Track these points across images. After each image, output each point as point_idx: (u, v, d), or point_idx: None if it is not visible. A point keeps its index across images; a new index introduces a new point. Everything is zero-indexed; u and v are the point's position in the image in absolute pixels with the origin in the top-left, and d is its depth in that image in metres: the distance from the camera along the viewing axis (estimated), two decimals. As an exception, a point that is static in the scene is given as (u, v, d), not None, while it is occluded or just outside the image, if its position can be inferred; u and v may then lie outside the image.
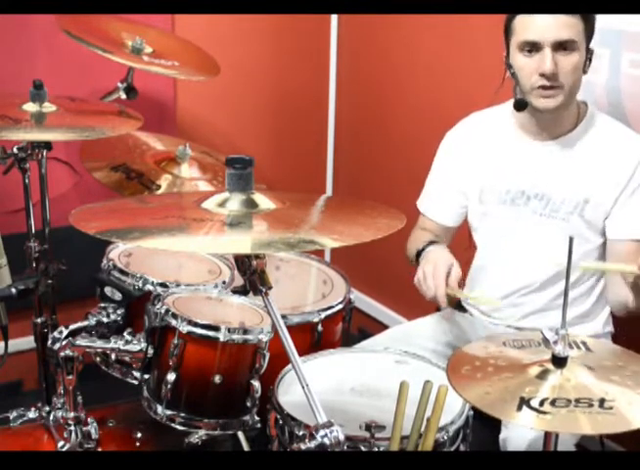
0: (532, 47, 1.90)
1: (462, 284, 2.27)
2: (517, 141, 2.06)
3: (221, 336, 1.70)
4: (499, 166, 2.09)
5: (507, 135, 2.09)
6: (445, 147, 2.20)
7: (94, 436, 1.79)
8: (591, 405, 1.34)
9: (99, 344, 1.78)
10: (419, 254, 2.03)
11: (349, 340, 2.20)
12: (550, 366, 1.42)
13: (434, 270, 1.90)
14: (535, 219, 2.05)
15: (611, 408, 1.34)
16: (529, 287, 2.09)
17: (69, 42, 2.29)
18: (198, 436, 1.89)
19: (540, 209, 2.04)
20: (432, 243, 2.03)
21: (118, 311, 1.89)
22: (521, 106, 1.97)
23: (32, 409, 1.90)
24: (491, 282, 2.15)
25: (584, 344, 1.55)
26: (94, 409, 1.85)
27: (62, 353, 1.72)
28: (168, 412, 1.73)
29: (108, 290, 1.95)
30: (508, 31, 1.95)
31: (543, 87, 1.91)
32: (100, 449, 1.81)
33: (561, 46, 1.88)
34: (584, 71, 1.94)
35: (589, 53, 1.94)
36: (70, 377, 1.74)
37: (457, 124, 2.20)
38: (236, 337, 1.71)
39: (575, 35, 1.88)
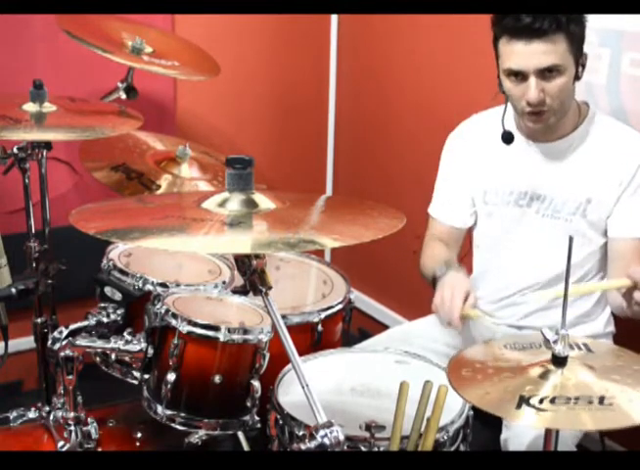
0: (517, 75, 1.89)
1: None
2: (518, 142, 2.06)
3: (221, 336, 1.70)
4: (502, 168, 2.09)
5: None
6: (449, 150, 2.20)
7: (94, 436, 1.79)
8: (591, 402, 1.35)
9: (99, 344, 1.78)
10: (435, 278, 2.01)
11: (349, 340, 2.20)
12: (550, 366, 1.42)
13: (452, 297, 1.89)
14: (538, 220, 2.05)
15: (610, 405, 1.34)
16: (532, 287, 2.09)
17: (69, 42, 2.29)
18: (198, 436, 1.89)
19: (543, 209, 2.04)
20: (449, 266, 2.01)
21: (118, 311, 1.88)
22: (508, 140, 1.99)
23: (32, 409, 1.90)
24: (494, 283, 2.15)
25: (585, 345, 1.55)
26: (94, 409, 1.84)
27: (62, 353, 1.72)
28: (168, 412, 1.73)
29: (108, 290, 1.95)
30: (496, 51, 1.94)
31: (531, 112, 1.91)
32: (100, 449, 1.81)
33: (545, 72, 1.86)
34: (578, 78, 1.93)
35: (582, 60, 1.92)
36: (70, 377, 1.74)
37: (458, 127, 2.20)
38: (236, 337, 1.71)
39: (559, 59, 1.85)
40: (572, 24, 1.85)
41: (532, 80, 1.86)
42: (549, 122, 1.94)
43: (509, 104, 1.99)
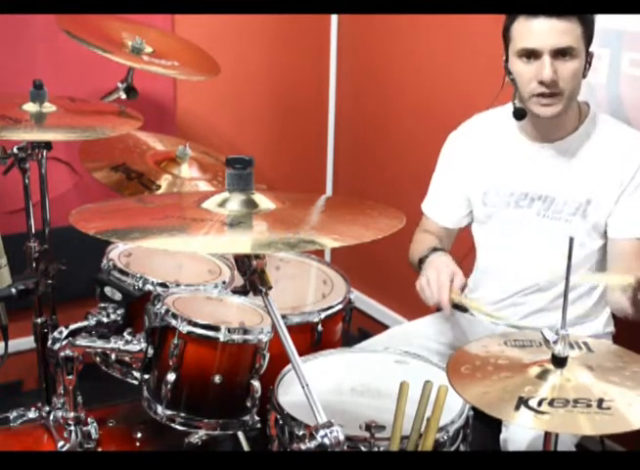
0: (531, 54, 1.89)
1: (464, 288, 2.27)
2: (519, 143, 2.06)
3: (221, 336, 1.70)
4: (502, 169, 2.09)
5: (509, 137, 2.08)
6: (448, 149, 2.20)
7: (94, 436, 1.79)
8: (589, 406, 1.34)
9: (99, 344, 1.78)
10: (422, 260, 2.02)
11: (349, 340, 2.20)
12: (550, 366, 1.42)
13: (438, 277, 1.90)
14: (539, 221, 2.05)
15: (609, 409, 1.34)
16: (532, 288, 2.09)
17: (69, 42, 2.29)
18: (198, 436, 1.89)
19: (543, 210, 2.04)
20: (435, 250, 2.02)
21: (118, 311, 1.88)
22: (519, 115, 1.98)
23: (32, 409, 1.90)
24: (494, 283, 2.15)
25: (585, 344, 1.55)
26: (94, 409, 1.84)
27: (62, 353, 1.72)
28: (168, 412, 1.73)
29: (108, 290, 1.95)
30: (506, 37, 1.94)
31: (542, 95, 1.90)
32: (100, 449, 1.81)
33: (560, 53, 1.87)
34: (584, 76, 1.94)
35: (589, 56, 1.93)
36: (70, 377, 1.74)
37: (460, 126, 2.19)
38: (236, 337, 1.71)
39: (574, 41, 1.87)
40: (587, 14, 1.88)
41: (547, 59, 1.86)
42: (558, 109, 1.92)
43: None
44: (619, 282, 1.79)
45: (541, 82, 1.88)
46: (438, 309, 2.29)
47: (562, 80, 1.88)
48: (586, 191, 2.00)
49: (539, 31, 1.86)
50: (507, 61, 1.96)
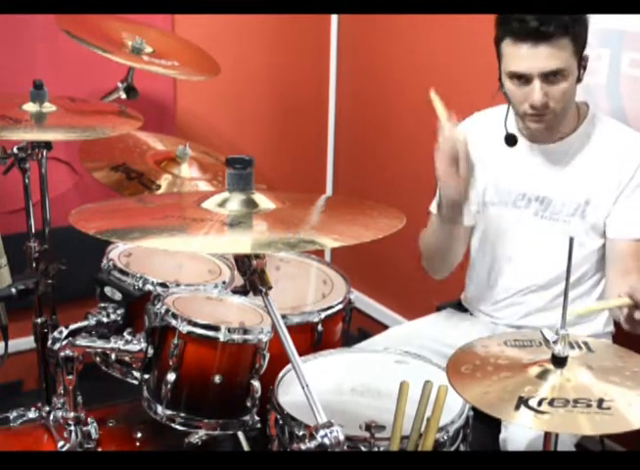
0: (520, 78, 1.88)
1: (462, 284, 2.27)
2: (519, 144, 2.06)
3: (221, 336, 1.70)
4: (501, 169, 2.09)
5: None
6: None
7: (94, 436, 1.79)
8: (589, 406, 1.34)
9: (99, 344, 1.78)
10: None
11: (349, 340, 2.20)
12: (550, 366, 1.42)
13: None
14: (537, 222, 2.05)
15: (609, 409, 1.34)
16: (530, 288, 2.09)
17: (69, 42, 2.29)
18: (198, 436, 1.89)
19: (541, 211, 2.04)
20: None
21: (118, 311, 1.88)
22: (511, 142, 2.00)
23: (32, 409, 1.90)
24: (492, 283, 2.15)
25: (586, 344, 1.55)
26: (94, 409, 1.84)
27: (62, 353, 1.72)
28: (168, 412, 1.73)
29: (108, 290, 1.95)
30: (498, 52, 1.93)
31: (534, 115, 1.91)
32: (100, 449, 1.81)
33: (550, 76, 1.85)
34: (579, 81, 1.93)
35: (583, 61, 1.91)
36: (70, 377, 1.74)
37: (459, 125, 2.19)
38: (236, 337, 1.71)
39: (564, 63, 1.84)
40: (577, 26, 1.85)
41: (537, 84, 1.85)
42: (550, 124, 1.94)
43: (510, 108, 1.99)
44: (616, 305, 1.78)
45: (532, 106, 1.88)
46: (438, 309, 2.30)
47: (553, 101, 1.88)
48: (585, 192, 2.00)
49: (527, 56, 1.84)
50: (500, 74, 1.95)
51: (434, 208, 2.23)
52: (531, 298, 2.09)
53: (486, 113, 2.16)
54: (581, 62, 1.90)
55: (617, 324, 2.15)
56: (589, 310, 2.03)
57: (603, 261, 2.05)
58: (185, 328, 1.71)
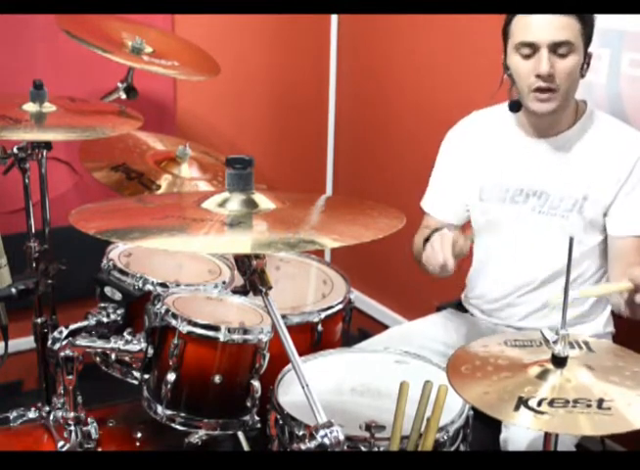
0: (529, 48, 1.89)
1: (462, 284, 2.28)
2: (516, 139, 2.07)
3: (221, 336, 1.70)
4: (498, 165, 2.09)
5: (506, 134, 2.09)
6: (446, 146, 2.20)
7: (94, 436, 1.79)
8: (589, 406, 1.34)
9: (99, 344, 1.79)
10: (427, 240, 1.99)
11: (349, 340, 2.20)
12: (550, 366, 1.42)
13: (442, 239, 1.86)
14: (535, 217, 2.05)
15: (609, 409, 1.34)
16: (529, 285, 2.09)
17: (69, 42, 2.29)
18: (198, 436, 1.89)
19: (539, 206, 2.05)
20: (436, 230, 2.01)
21: (118, 311, 1.89)
22: (515, 107, 1.99)
23: (32, 409, 1.90)
24: (491, 280, 2.15)
25: (586, 344, 1.55)
26: (94, 409, 1.84)
27: (62, 353, 1.72)
28: (168, 412, 1.73)
29: (108, 290, 1.95)
30: (506, 33, 1.95)
31: (539, 89, 1.91)
32: (100, 449, 1.81)
33: (558, 48, 1.87)
34: (582, 75, 1.94)
35: (587, 56, 1.93)
36: (70, 377, 1.74)
37: (457, 123, 2.20)
38: (236, 337, 1.71)
39: (572, 37, 1.87)
40: (586, 14, 1.89)
41: (544, 53, 1.87)
42: (554, 106, 1.93)
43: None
44: (618, 289, 1.79)
45: (538, 76, 1.89)
46: (438, 309, 2.30)
47: (559, 76, 1.89)
48: (583, 187, 2.00)
49: (537, 25, 1.87)
50: (505, 57, 1.96)
51: (426, 205, 2.23)
52: (531, 297, 2.09)
53: (485, 112, 2.16)
54: (587, 53, 1.92)
55: (617, 324, 2.15)
56: (590, 294, 2.03)
57: (602, 259, 2.05)
58: (185, 328, 1.71)
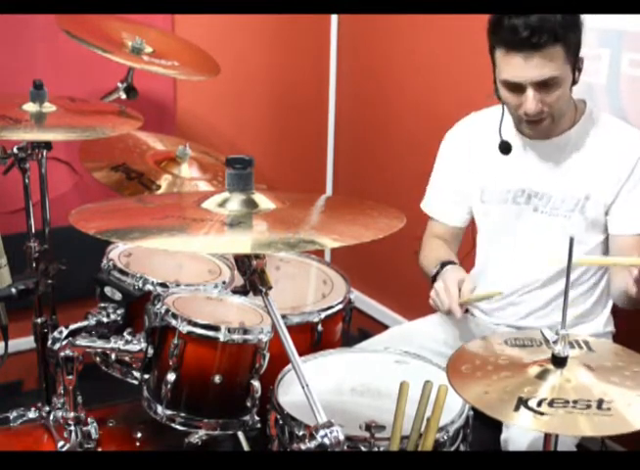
0: (514, 87, 1.88)
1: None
2: (516, 140, 2.07)
3: (221, 336, 1.70)
4: (499, 166, 2.09)
5: (506, 134, 2.08)
6: (446, 148, 2.20)
7: (94, 436, 1.79)
8: (589, 406, 1.34)
9: (99, 344, 1.78)
10: (434, 278, 2.02)
11: (349, 340, 2.20)
12: (550, 366, 1.42)
13: (445, 286, 1.92)
14: (536, 218, 2.05)
15: (609, 410, 1.34)
16: (531, 285, 2.09)
17: (69, 42, 2.29)
18: (198, 436, 1.89)
19: (541, 207, 2.05)
20: (444, 265, 2.03)
21: (118, 311, 1.89)
22: (505, 150, 2.02)
23: (32, 409, 1.90)
24: (493, 281, 2.15)
25: (586, 343, 1.55)
26: (94, 409, 1.84)
27: (62, 353, 1.72)
28: (168, 412, 1.73)
29: (108, 290, 1.95)
30: (492, 60, 1.93)
31: (529, 121, 1.92)
32: (100, 449, 1.81)
33: (542, 84, 1.85)
34: (575, 82, 1.93)
35: (578, 63, 1.91)
36: (70, 377, 1.74)
37: (456, 125, 2.20)
38: (236, 337, 1.71)
39: (557, 70, 1.84)
40: (570, 33, 1.84)
41: (530, 92, 1.86)
42: (546, 128, 1.96)
43: (506, 110, 2.00)
44: (628, 263, 1.77)
45: (526, 113, 1.89)
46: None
47: (547, 107, 1.89)
48: (584, 187, 2.00)
49: (520, 67, 1.84)
50: (495, 80, 1.95)
51: (429, 209, 2.23)
52: (531, 297, 2.10)
53: (484, 112, 2.16)
54: (576, 65, 1.90)
55: (616, 324, 2.15)
56: (596, 263, 2.03)
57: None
58: (185, 328, 1.71)
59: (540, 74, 1.83)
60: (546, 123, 1.94)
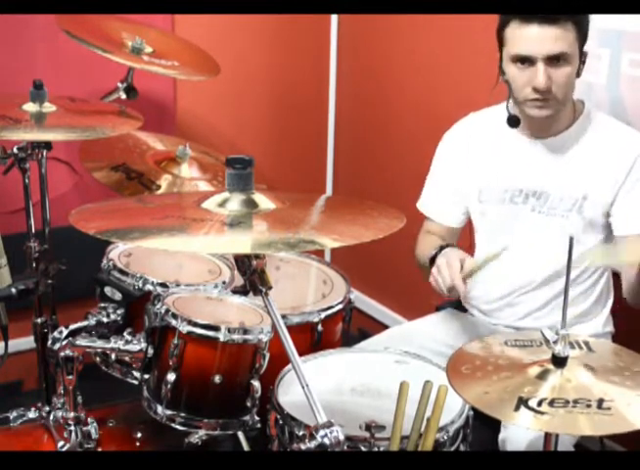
0: (525, 61, 1.89)
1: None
2: (514, 140, 2.07)
3: (221, 336, 1.70)
4: (497, 166, 2.09)
5: (504, 134, 2.08)
6: (443, 148, 2.20)
7: (94, 436, 1.79)
8: (589, 406, 1.34)
9: (99, 344, 1.79)
10: (432, 260, 2.01)
11: (349, 340, 2.20)
12: (550, 366, 1.42)
13: (448, 262, 1.88)
14: (534, 217, 2.05)
15: (609, 409, 1.34)
16: (529, 285, 2.09)
17: (69, 42, 2.29)
18: (198, 436, 1.89)
19: (539, 207, 2.05)
20: (442, 248, 2.02)
21: (118, 311, 1.89)
22: (514, 123, 2.00)
23: (32, 409, 1.90)
24: (491, 281, 2.15)
25: (586, 344, 1.55)
26: (94, 409, 1.84)
27: (62, 353, 1.72)
28: (168, 412, 1.73)
29: (108, 290, 1.95)
30: (500, 39, 1.94)
31: (536, 99, 1.91)
32: (100, 449, 1.81)
33: (554, 59, 1.87)
34: (578, 75, 1.94)
35: (583, 56, 1.93)
36: (70, 377, 1.74)
37: (454, 125, 2.20)
38: (236, 337, 1.71)
39: (568, 47, 1.86)
40: (582, 15, 1.88)
41: (541, 66, 1.87)
42: (551, 111, 1.94)
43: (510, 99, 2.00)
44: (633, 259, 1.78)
45: (535, 89, 1.89)
46: (438, 309, 2.30)
47: (555, 85, 1.89)
48: (582, 187, 2.00)
49: (532, 38, 1.86)
50: (501, 61, 1.96)
51: (425, 208, 2.23)
52: (530, 297, 2.09)
53: (482, 113, 2.16)
54: (582, 54, 1.92)
55: (616, 324, 2.15)
56: (604, 253, 2.03)
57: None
58: (185, 328, 1.71)
59: (553, 48, 1.85)
60: (552, 106, 1.92)
